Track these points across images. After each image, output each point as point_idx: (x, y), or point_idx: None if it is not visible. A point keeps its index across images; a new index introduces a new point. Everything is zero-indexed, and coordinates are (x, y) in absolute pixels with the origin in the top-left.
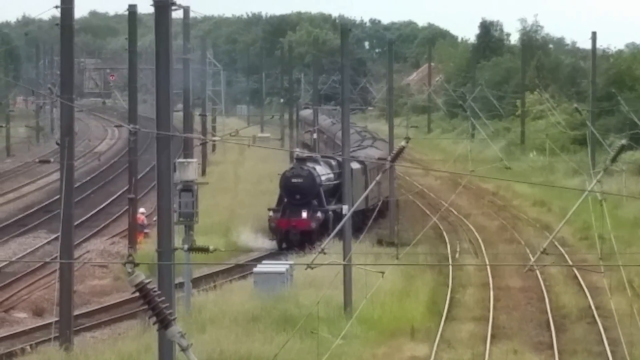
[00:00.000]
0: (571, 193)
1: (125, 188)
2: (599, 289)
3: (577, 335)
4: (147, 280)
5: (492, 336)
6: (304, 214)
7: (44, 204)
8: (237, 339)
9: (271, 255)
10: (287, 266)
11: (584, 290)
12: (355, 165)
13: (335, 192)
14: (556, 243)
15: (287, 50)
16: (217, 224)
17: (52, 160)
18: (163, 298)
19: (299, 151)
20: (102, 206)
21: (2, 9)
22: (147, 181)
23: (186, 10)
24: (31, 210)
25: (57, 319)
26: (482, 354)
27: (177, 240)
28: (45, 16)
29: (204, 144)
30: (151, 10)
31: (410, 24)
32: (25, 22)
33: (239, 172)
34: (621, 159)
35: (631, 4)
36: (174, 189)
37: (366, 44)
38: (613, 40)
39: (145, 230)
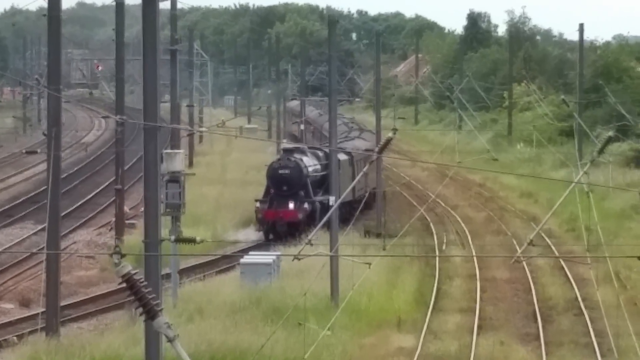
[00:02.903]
0: (558, 185)
1: (112, 179)
2: (585, 281)
3: (563, 326)
4: (133, 271)
5: (479, 327)
6: (291, 205)
7: (31, 194)
8: (224, 330)
9: (258, 247)
10: (274, 257)
11: (570, 281)
12: (342, 157)
13: (322, 184)
14: (543, 234)
15: (275, 42)
16: (204, 215)
17: (39, 151)
18: (150, 289)
19: (286, 142)
20: (89, 197)
21: None
22: (134, 172)
23: (173, 1)
24: (18, 201)
25: (43, 309)
26: (468, 345)
27: (164, 232)
28: (33, 7)
29: (191, 135)
30: (138, 1)
31: (397, 16)
32: (13, 13)
33: (226, 163)
34: (608, 151)
35: None
36: (161, 179)
37: (353, 35)
38: (600, 32)
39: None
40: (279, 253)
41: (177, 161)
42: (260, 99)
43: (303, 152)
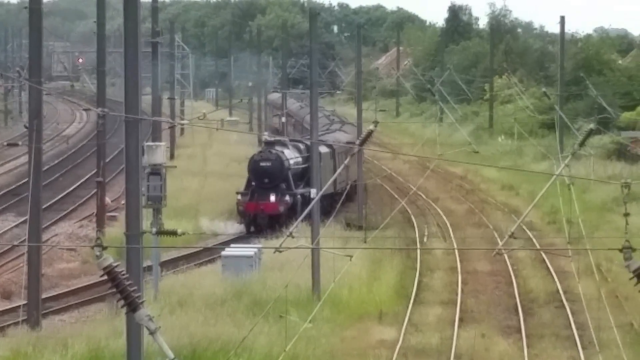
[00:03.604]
0: (539, 177)
1: (93, 171)
2: (566, 273)
3: (545, 319)
4: (115, 264)
5: (460, 320)
6: (272, 198)
7: (12, 187)
8: (206, 323)
9: (239, 239)
10: (256, 250)
11: (551, 274)
12: (323, 149)
13: (304, 176)
14: (524, 227)
15: (256, 34)
16: (185, 207)
17: (20, 143)
18: (131, 281)
19: (267, 135)
20: (70, 189)
21: None
22: (115, 164)
23: None
24: None
25: (25, 302)
26: (450, 337)
27: (146, 224)
28: None
29: (172, 128)
30: None
31: (378, 8)
32: None
33: (208, 155)
34: (589, 143)
35: None
36: (142, 172)
37: (335, 27)
38: (581, 25)
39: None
40: (260, 245)
41: (158, 154)
42: (241, 91)
43: (284, 145)
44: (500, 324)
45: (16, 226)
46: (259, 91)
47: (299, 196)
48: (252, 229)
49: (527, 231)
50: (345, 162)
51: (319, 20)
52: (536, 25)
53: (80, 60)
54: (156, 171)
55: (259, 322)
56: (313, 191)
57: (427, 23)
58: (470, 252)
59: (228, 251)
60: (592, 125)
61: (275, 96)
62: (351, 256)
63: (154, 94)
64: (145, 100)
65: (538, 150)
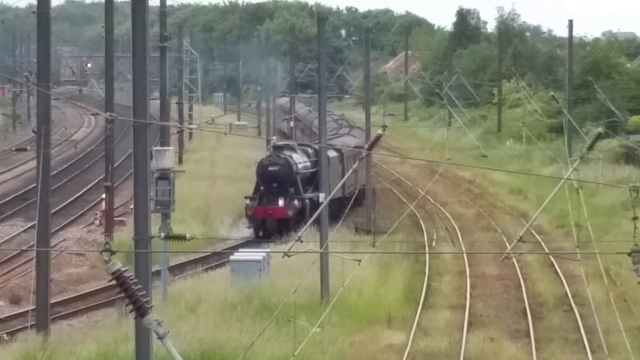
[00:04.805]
0: (548, 181)
1: (101, 176)
2: (575, 277)
3: (553, 323)
4: (124, 268)
5: (469, 324)
6: (281, 202)
7: (21, 192)
8: (215, 327)
9: (248, 243)
10: (264, 254)
11: (560, 278)
12: (332, 154)
13: (312, 180)
14: (533, 231)
15: (264, 39)
16: (194, 212)
17: (28, 148)
18: (140, 286)
19: (275, 139)
20: (78, 194)
21: None
22: (123, 169)
23: None
24: (8, 199)
25: (33, 307)
26: (458, 341)
27: (154, 229)
28: (22, 4)
29: (180, 132)
30: None
31: (387, 12)
32: (2, 10)
33: (216, 160)
34: (597, 147)
35: None
36: (151, 177)
37: (343, 32)
38: (590, 29)
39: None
40: (269, 250)
41: (166, 158)
42: (249, 96)
43: (293, 149)
44: (509, 328)
45: (25, 231)
46: (268, 95)
47: (307, 200)
48: (261, 233)
49: (536, 235)
50: (354, 166)
51: (327, 25)
52: (544, 29)
53: (89, 65)
54: (164, 176)
55: (267, 326)
56: (322, 195)
57: (435, 27)
58: (479, 257)
59: (237, 256)
60: (600, 129)
61: (284, 100)
62: (360, 260)
63: (162, 98)
64: (154, 105)
65: (546, 154)
